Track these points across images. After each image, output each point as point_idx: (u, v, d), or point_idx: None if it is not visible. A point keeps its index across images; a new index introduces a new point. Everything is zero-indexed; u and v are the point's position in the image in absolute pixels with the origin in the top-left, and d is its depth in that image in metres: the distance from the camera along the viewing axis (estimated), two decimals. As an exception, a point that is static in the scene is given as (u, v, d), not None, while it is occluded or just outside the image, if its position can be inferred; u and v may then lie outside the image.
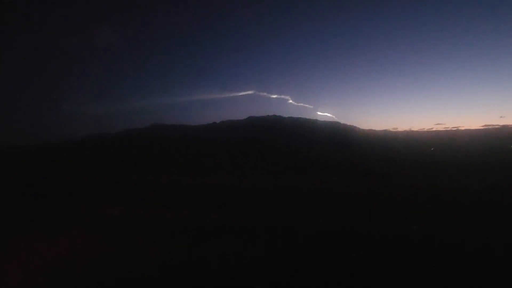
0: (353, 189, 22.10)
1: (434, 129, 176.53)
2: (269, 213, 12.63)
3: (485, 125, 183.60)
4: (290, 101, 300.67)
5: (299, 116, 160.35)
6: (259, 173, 43.59)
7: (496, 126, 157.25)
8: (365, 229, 9.49)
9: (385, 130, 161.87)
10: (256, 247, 7.44)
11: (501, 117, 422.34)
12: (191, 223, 10.27)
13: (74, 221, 10.12)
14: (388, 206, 15.99)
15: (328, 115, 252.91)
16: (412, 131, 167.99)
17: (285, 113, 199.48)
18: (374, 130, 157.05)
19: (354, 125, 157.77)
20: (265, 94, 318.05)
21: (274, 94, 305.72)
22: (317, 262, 6.41)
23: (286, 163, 58.02)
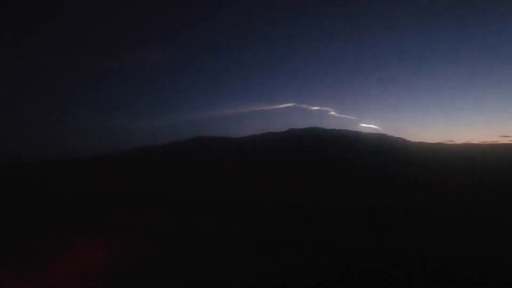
0: (398, 205, 21.23)
1: (498, 142, 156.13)
2: (311, 226, 12.79)
3: None
4: (332, 112, 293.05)
5: (341, 128, 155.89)
6: (300, 185, 43.92)
7: None
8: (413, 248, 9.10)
9: (438, 143, 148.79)
10: (294, 260, 7.86)
11: None
12: (229, 233, 10.88)
13: (123, 226, 11.59)
14: (435, 224, 15.29)
15: (374, 127, 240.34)
16: (471, 144, 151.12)
17: (327, 125, 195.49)
18: (426, 143, 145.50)
19: (403, 137, 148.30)
20: (305, 106, 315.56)
21: (315, 106, 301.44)
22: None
23: (328, 175, 57.23)
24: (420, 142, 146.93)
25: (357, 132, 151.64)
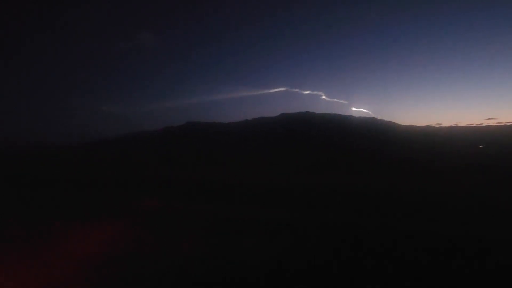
0: (391, 187, 21.53)
1: (484, 124, 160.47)
2: (303, 208, 12.84)
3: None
4: (323, 97, 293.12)
5: (333, 112, 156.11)
6: (292, 170, 44.07)
7: None
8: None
9: (427, 126, 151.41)
10: (279, 242, 7.91)
11: None
12: (224, 216, 10.91)
13: (118, 211, 11.52)
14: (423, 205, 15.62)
15: (364, 110, 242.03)
16: (458, 126, 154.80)
17: (318, 109, 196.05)
18: (415, 126, 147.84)
19: (393, 121, 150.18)
20: (297, 90, 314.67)
21: (306, 90, 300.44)
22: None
23: (319, 159, 57.59)
24: (410, 125, 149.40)
25: (349, 116, 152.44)
